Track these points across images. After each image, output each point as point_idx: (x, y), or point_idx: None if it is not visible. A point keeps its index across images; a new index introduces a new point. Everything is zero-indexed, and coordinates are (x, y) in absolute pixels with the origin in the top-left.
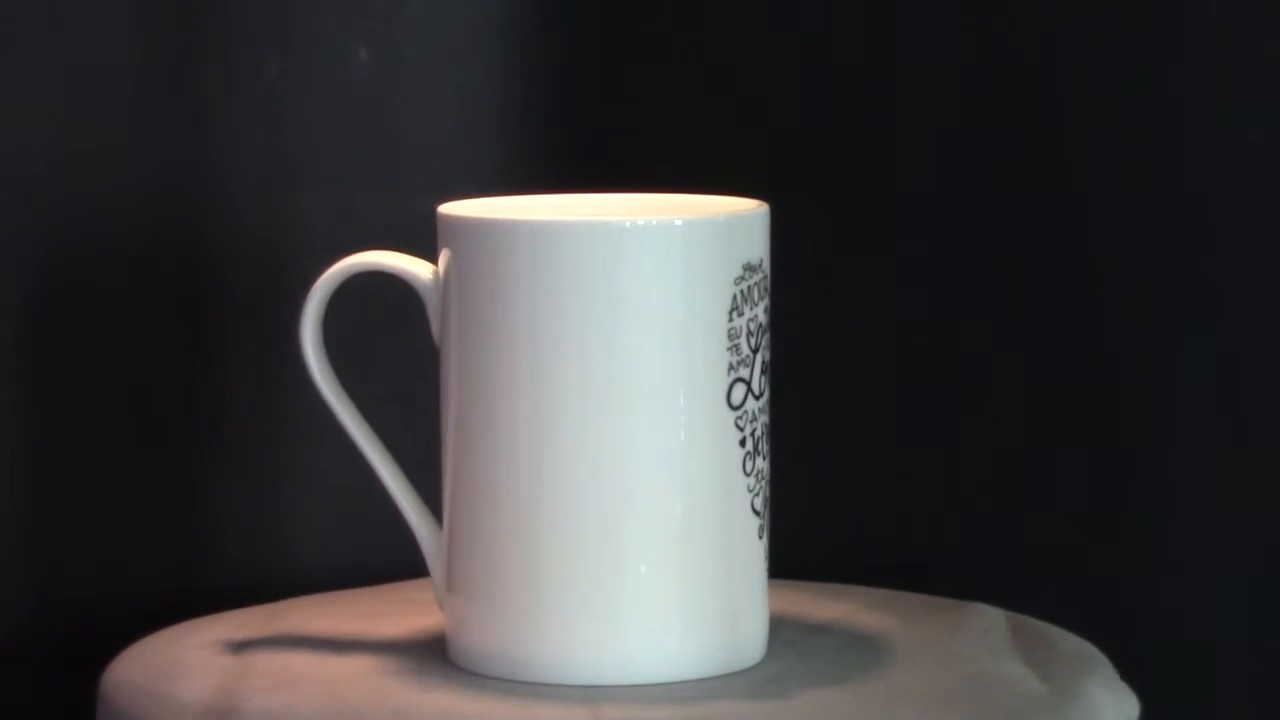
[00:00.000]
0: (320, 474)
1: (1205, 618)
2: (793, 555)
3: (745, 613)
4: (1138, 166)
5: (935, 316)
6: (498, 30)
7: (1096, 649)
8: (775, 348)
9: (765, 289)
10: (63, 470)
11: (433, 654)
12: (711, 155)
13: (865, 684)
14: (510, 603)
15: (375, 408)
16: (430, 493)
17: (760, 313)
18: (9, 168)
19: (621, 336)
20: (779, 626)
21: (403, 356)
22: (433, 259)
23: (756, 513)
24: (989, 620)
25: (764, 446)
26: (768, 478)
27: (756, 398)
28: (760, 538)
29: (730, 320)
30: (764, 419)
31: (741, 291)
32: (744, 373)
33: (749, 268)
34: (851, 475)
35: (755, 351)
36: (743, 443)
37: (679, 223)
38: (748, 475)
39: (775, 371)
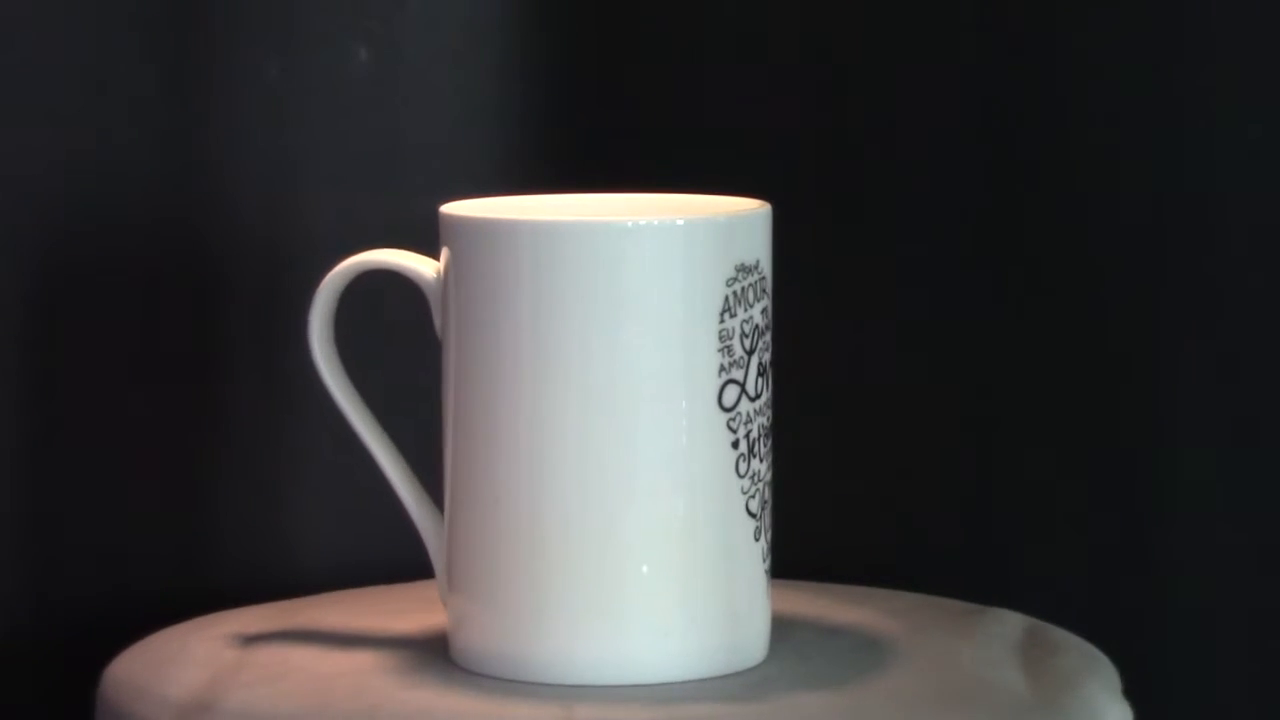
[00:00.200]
0: (321, 474)
1: (1205, 618)
2: (792, 555)
3: (745, 613)
4: (1138, 166)
5: (935, 316)
6: (498, 30)
7: (1108, 661)
8: (775, 348)
9: (763, 290)
10: (63, 470)
11: (435, 653)
12: (712, 155)
13: (860, 686)
14: (509, 602)
15: (378, 406)
16: (433, 492)
17: (756, 314)
18: (9, 168)
19: (614, 337)
20: (784, 627)
21: (406, 355)
22: (434, 258)
23: (752, 515)
24: (1003, 626)
25: (761, 448)
26: (767, 479)
27: (752, 399)
28: (757, 539)
29: (722, 321)
30: (761, 421)
31: (734, 293)
32: (737, 374)
33: (743, 269)
34: (851, 475)
35: (750, 353)
36: (735, 444)
37: (672, 223)
38: (742, 477)
39: (775, 371)
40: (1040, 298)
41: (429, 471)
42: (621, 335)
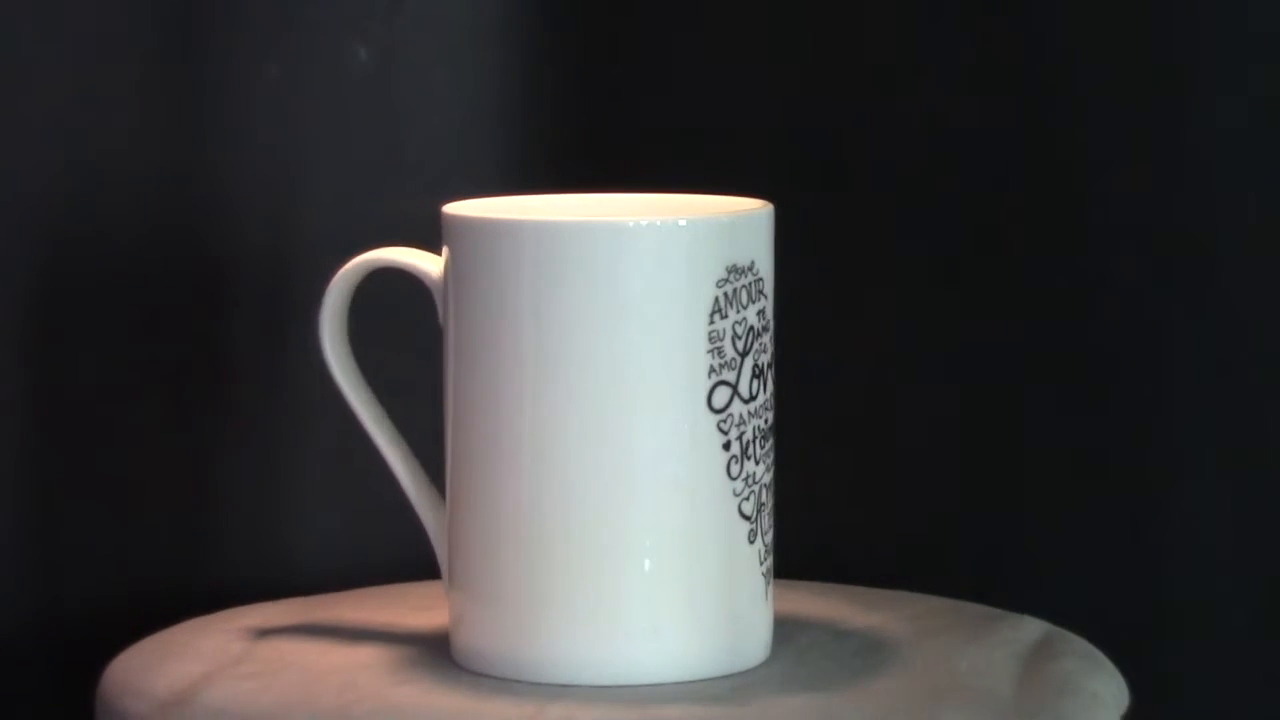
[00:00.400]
0: (322, 474)
1: (1205, 618)
2: (792, 555)
3: (741, 615)
4: (1138, 166)
5: (935, 316)
6: (498, 30)
7: (1116, 673)
8: (775, 347)
9: (759, 292)
10: (63, 470)
11: (438, 651)
12: (713, 155)
13: (850, 690)
14: (506, 601)
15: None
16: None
17: (751, 316)
18: (9, 168)
19: (601, 337)
20: (790, 629)
21: (408, 354)
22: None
23: (746, 517)
24: (1016, 632)
25: (756, 450)
26: (766, 482)
27: (745, 401)
28: (752, 542)
29: (712, 323)
30: (757, 423)
31: (725, 294)
32: (728, 376)
33: (735, 270)
34: (852, 475)
35: (744, 355)
36: (727, 446)
37: (658, 224)
38: (734, 479)
39: (775, 371)
40: (1040, 297)
41: (431, 471)
42: (608, 336)
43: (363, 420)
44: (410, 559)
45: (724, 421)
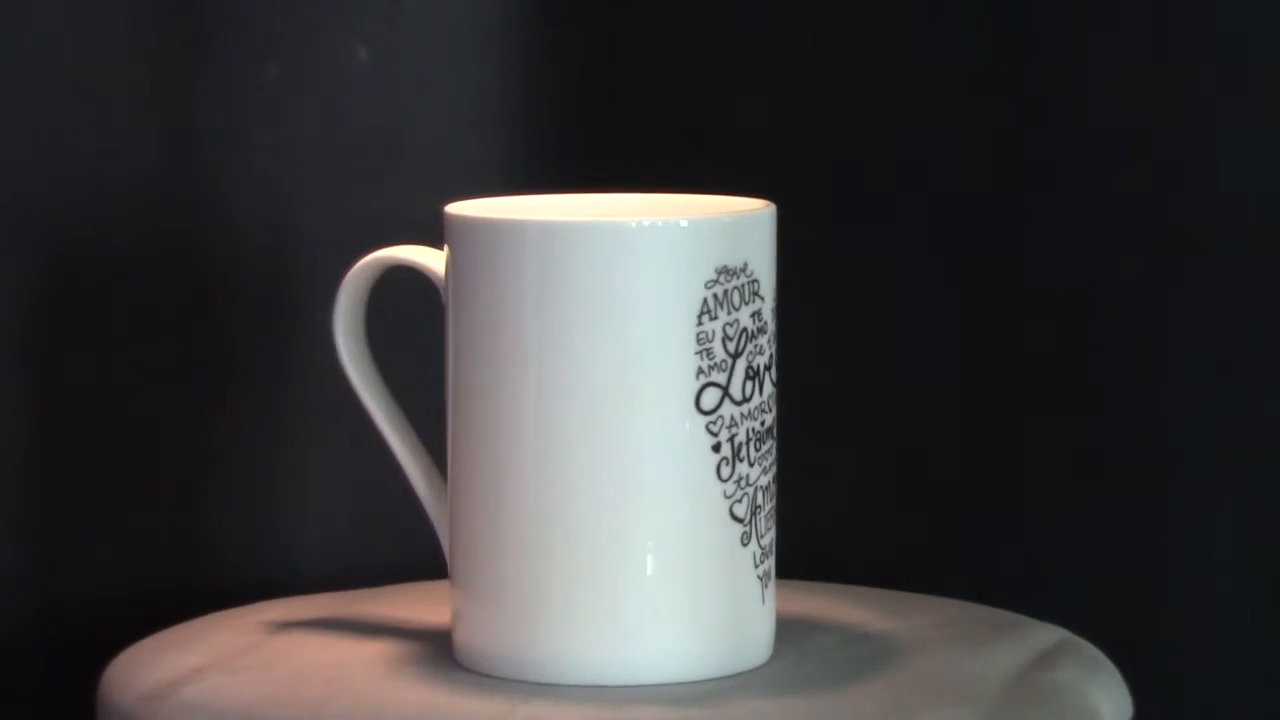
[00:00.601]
0: (321, 474)
1: (1205, 618)
2: (792, 555)
3: (736, 617)
4: (1138, 166)
5: (935, 316)
6: (498, 30)
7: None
8: (776, 348)
9: (754, 293)
10: (63, 470)
11: (438, 651)
12: (713, 155)
13: (859, 688)
14: (506, 601)
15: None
16: None
17: (744, 317)
18: (9, 168)
19: (586, 338)
20: (795, 629)
21: (412, 352)
22: None
23: (738, 519)
24: (1028, 640)
25: (750, 452)
26: (762, 484)
27: (737, 403)
28: (745, 544)
29: (700, 324)
30: (751, 425)
31: (715, 295)
32: (717, 377)
33: (726, 271)
34: (851, 475)
35: (735, 356)
36: (717, 448)
37: (643, 225)
38: (724, 481)
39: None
40: (1040, 297)
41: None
42: (596, 335)
43: (376, 418)
44: (411, 559)
45: (713, 423)
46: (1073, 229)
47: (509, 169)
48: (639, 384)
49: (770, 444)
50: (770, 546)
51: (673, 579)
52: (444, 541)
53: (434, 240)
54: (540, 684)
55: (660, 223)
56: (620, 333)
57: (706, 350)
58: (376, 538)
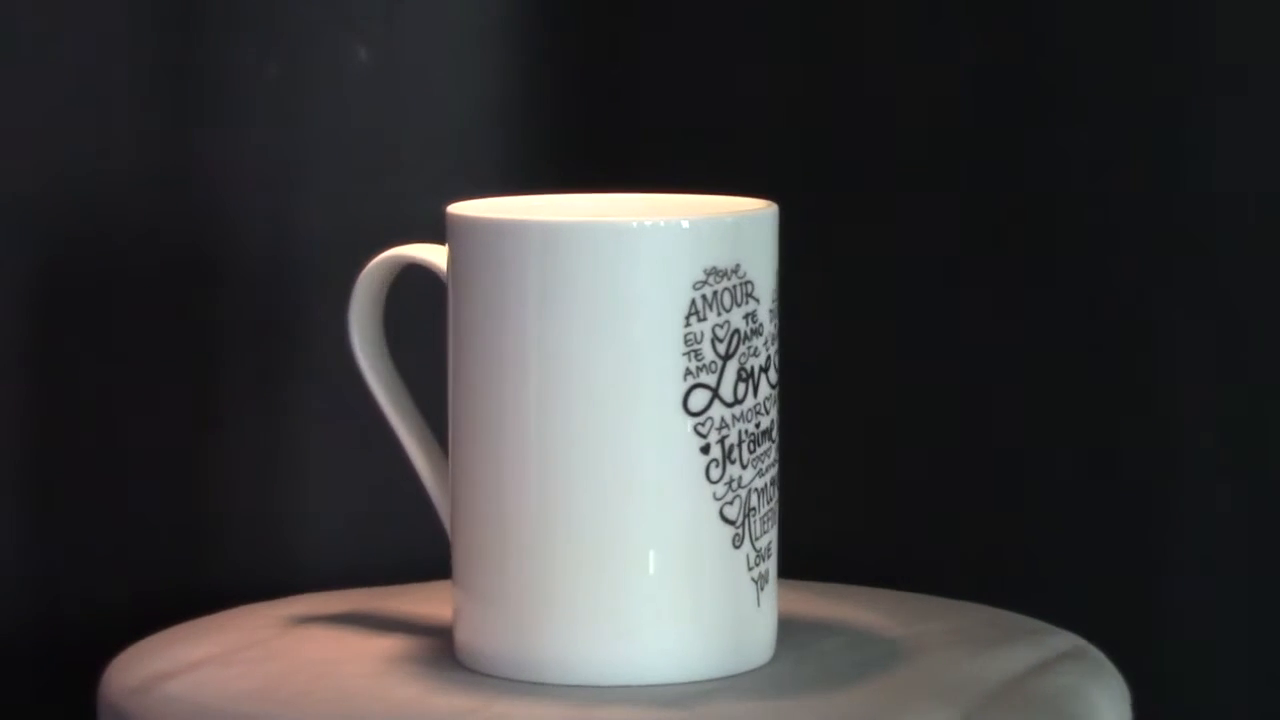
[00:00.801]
0: (322, 474)
1: (1205, 617)
2: (791, 556)
3: (729, 618)
4: (1138, 166)
5: (935, 316)
6: (498, 30)
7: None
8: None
9: (748, 295)
10: (63, 470)
11: (438, 651)
12: (713, 155)
13: (861, 688)
14: (507, 601)
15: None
16: None
17: (736, 319)
18: (8, 168)
19: (576, 338)
20: (798, 630)
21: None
22: None
23: (729, 521)
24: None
25: (743, 454)
26: (758, 486)
27: (728, 405)
28: (737, 546)
29: (688, 325)
30: (744, 426)
31: (704, 296)
32: (706, 379)
33: (715, 273)
34: (851, 475)
35: (726, 358)
36: (706, 449)
37: (625, 226)
38: (714, 483)
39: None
40: (1041, 297)
41: None
42: (582, 337)
43: (391, 419)
44: (412, 559)
45: (702, 424)
46: (1073, 229)
47: (509, 169)
48: (626, 385)
49: (767, 446)
50: (768, 549)
51: (661, 581)
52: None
53: (434, 240)
54: (538, 684)
55: (648, 224)
56: (608, 333)
57: (695, 351)
58: (377, 538)
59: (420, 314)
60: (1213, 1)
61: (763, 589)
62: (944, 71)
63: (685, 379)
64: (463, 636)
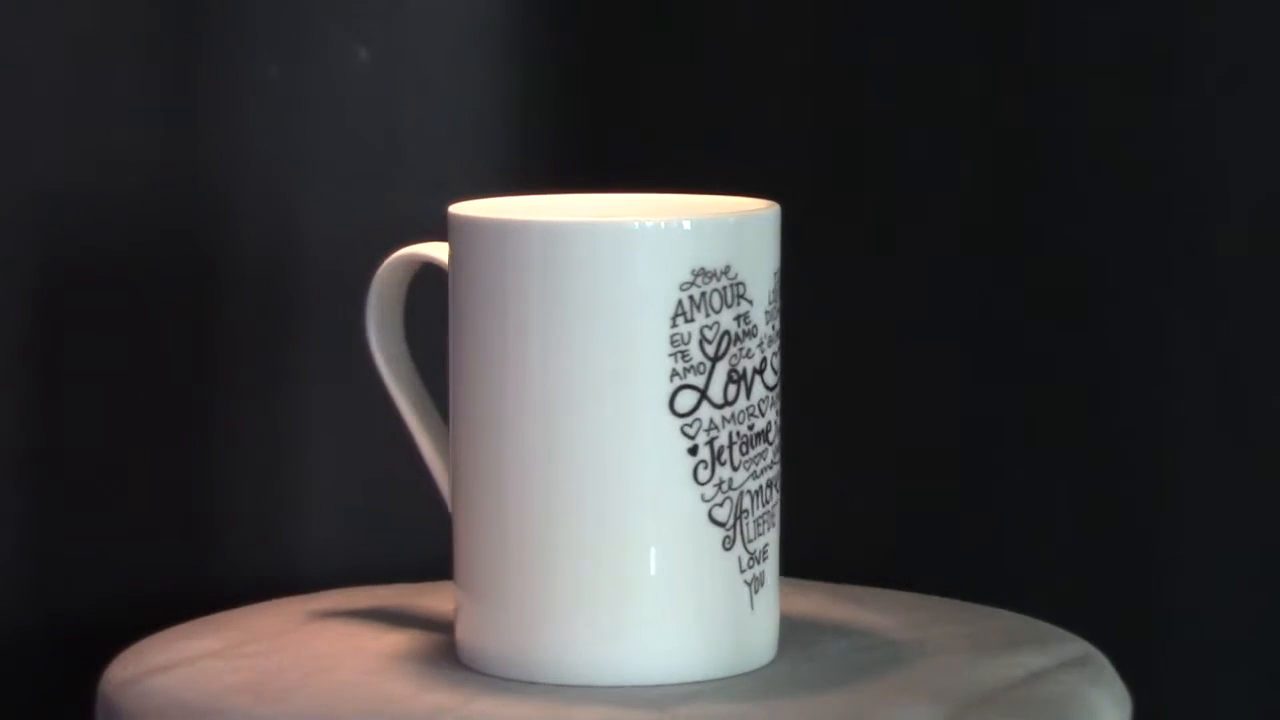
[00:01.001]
0: (322, 474)
1: (1205, 618)
2: (791, 555)
3: (721, 620)
4: (1138, 166)
5: (935, 316)
6: (498, 30)
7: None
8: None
9: (739, 296)
10: (63, 470)
11: (439, 650)
12: (714, 155)
13: (864, 687)
14: (505, 601)
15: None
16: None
17: (726, 320)
18: (9, 168)
19: (562, 339)
20: (805, 631)
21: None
22: None
23: (719, 523)
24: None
25: (734, 456)
26: (750, 488)
27: (718, 406)
28: (728, 548)
29: (674, 326)
30: (735, 428)
31: (690, 297)
32: (694, 380)
33: (703, 273)
34: (851, 475)
35: (715, 359)
36: (694, 451)
37: (608, 226)
38: (702, 484)
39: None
40: (1040, 297)
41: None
42: (570, 338)
43: (407, 419)
44: (412, 560)
45: (689, 426)
46: (1073, 229)
47: (509, 169)
48: (612, 385)
49: (763, 448)
50: (763, 552)
51: (649, 582)
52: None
53: (433, 240)
54: (528, 683)
55: (634, 224)
56: (594, 333)
57: (682, 352)
58: (377, 538)
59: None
60: (1213, 2)
61: (757, 591)
62: (944, 71)
63: (672, 380)
64: (461, 635)
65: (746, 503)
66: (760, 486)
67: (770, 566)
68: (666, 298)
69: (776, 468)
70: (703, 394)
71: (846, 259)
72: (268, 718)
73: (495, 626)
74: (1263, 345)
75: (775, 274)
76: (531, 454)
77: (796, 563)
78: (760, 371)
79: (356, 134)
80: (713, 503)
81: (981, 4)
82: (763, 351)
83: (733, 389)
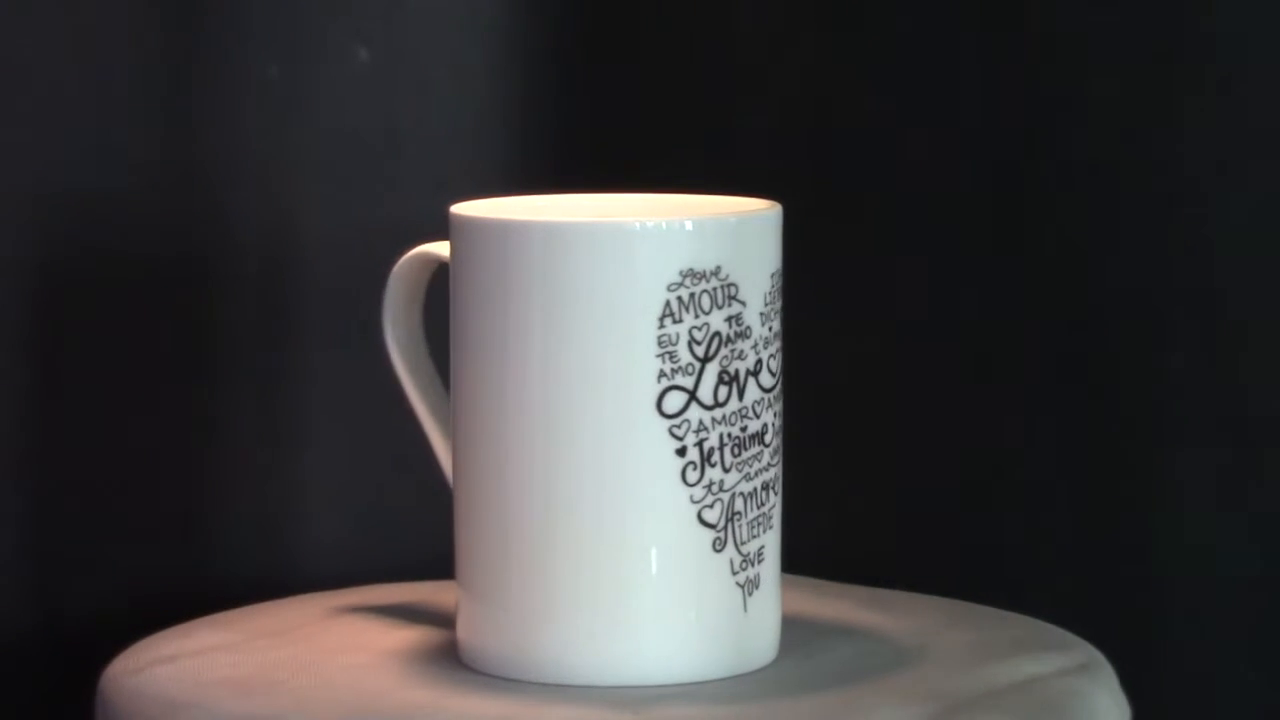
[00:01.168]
0: (322, 474)
1: (1205, 618)
2: (791, 555)
3: (711, 623)
4: (1138, 166)
5: (935, 316)
6: (498, 30)
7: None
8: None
9: (730, 297)
10: (63, 470)
11: (440, 650)
12: (714, 155)
13: (861, 688)
14: (497, 600)
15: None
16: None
17: (717, 321)
18: (9, 168)
19: (548, 339)
20: (805, 631)
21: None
22: None
23: (709, 525)
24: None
25: (725, 457)
26: (743, 490)
27: (708, 408)
28: (718, 550)
29: (662, 327)
30: (726, 430)
31: (679, 298)
32: (683, 381)
33: (692, 274)
34: (851, 475)
35: (705, 360)
36: (682, 452)
37: (598, 226)
38: (691, 485)
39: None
40: (1040, 298)
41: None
42: (558, 338)
43: (424, 423)
44: (411, 560)
45: (678, 427)
46: (1073, 229)
47: (509, 169)
48: (600, 387)
49: (757, 450)
50: (758, 554)
51: (638, 582)
52: None
53: (433, 240)
54: (516, 681)
55: (619, 225)
56: (588, 334)
57: (670, 353)
58: (377, 538)
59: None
60: (1213, 1)
61: (751, 594)
62: (944, 71)
63: (659, 380)
64: (461, 635)
65: (739, 505)
66: (755, 489)
67: (767, 569)
68: (653, 298)
69: (774, 470)
70: (692, 395)
71: (846, 259)
72: (241, 711)
73: (495, 626)
74: (1263, 345)
75: (773, 275)
76: (531, 453)
77: (797, 563)
78: (755, 373)
79: (356, 134)
80: (702, 504)
81: (981, 4)
82: (757, 353)
83: (724, 390)
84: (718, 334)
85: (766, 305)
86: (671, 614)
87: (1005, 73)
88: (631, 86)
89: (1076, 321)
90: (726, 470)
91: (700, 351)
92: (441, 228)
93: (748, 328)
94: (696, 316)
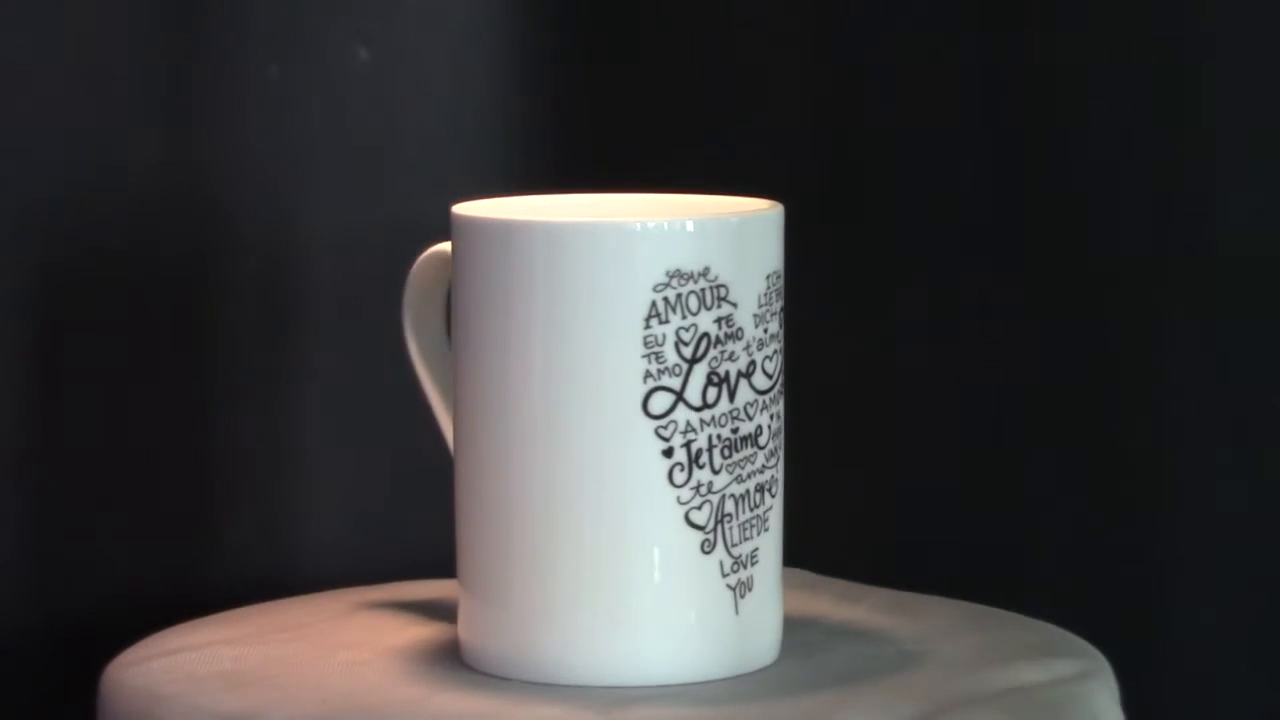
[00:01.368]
0: (322, 474)
1: (1205, 618)
2: (791, 555)
3: (703, 624)
4: (1138, 166)
5: (935, 316)
6: (499, 30)
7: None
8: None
9: (720, 298)
10: (63, 470)
11: (440, 650)
12: (714, 155)
13: (858, 688)
14: (492, 600)
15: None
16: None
17: (705, 322)
18: (8, 168)
19: (539, 338)
20: (809, 632)
21: None
22: None
23: (697, 526)
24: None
25: (714, 459)
26: (734, 492)
27: (696, 409)
28: (707, 552)
29: (648, 328)
30: (716, 431)
31: (665, 299)
32: (669, 382)
33: (679, 275)
34: (851, 475)
35: (693, 361)
36: (669, 453)
37: (586, 226)
38: (678, 487)
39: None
40: (1040, 298)
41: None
42: (546, 338)
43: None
44: (411, 560)
45: (664, 428)
46: (1073, 229)
47: (509, 169)
48: (590, 387)
49: (750, 452)
50: (751, 556)
51: (632, 582)
52: None
53: (433, 240)
54: (506, 679)
55: (605, 225)
56: (579, 335)
57: (656, 354)
58: (377, 538)
59: None
60: (1213, 1)
61: (743, 596)
62: (944, 71)
63: (645, 381)
64: (463, 635)
65: (729, 506)
66: (747, 491)
67: (761, 571)
68: (638, 299)
69: (770, 472)
70: (679, 396)
71: (846, 259)
72: (224, 706)
73: (495, 626)
74: (1263, 345)
75: (770, 276)
76: (531, 453)
77: (796, 563)
78: (747, 375)
79: (356, 134)
80: (689, 506)
81: (981, 4)
82: (750, 355)
83: (713, 392)
84: (706, 335)
85: (761, 306)
86: (666, 615)
87: (1005, 73)
88: (631, 86)
89: (1076, 321)
90: (716, 472)
91: (687, 352)
92: (441, 228)
93: (739, 329)
94: (684, 317)
